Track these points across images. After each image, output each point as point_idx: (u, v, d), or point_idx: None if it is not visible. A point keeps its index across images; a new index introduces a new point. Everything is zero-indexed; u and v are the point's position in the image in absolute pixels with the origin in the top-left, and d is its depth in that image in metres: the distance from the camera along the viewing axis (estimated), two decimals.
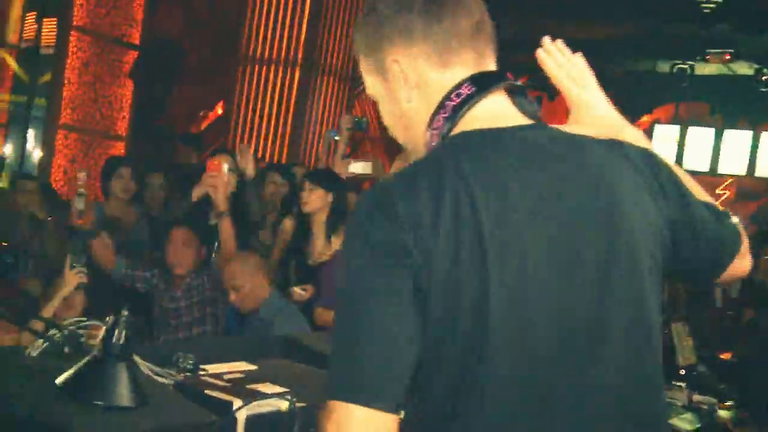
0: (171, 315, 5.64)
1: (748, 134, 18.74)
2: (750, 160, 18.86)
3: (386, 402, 1.69)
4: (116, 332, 2.45)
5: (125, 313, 2.48)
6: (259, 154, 12.10)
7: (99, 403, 2.38)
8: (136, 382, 2.49)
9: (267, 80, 12.42)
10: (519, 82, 1.95)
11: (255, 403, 2.70)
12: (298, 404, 2.77)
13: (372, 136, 16.54)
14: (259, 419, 2.68)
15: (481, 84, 1.89)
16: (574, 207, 1.82)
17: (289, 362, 3.54)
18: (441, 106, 1.88)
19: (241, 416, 2.63)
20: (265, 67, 12.43)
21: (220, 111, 14.71)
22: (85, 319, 2.67)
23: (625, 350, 1.84)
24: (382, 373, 1.69)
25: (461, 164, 1.76)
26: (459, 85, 1.89)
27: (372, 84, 2.02)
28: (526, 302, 1.75)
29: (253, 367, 3.25)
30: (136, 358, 2.61)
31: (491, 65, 1.97)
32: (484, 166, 1.78)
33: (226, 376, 3.02)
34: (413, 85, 1.93)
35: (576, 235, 1.81)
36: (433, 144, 1.89)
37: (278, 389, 2.89)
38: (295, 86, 12.34)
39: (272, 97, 12.40)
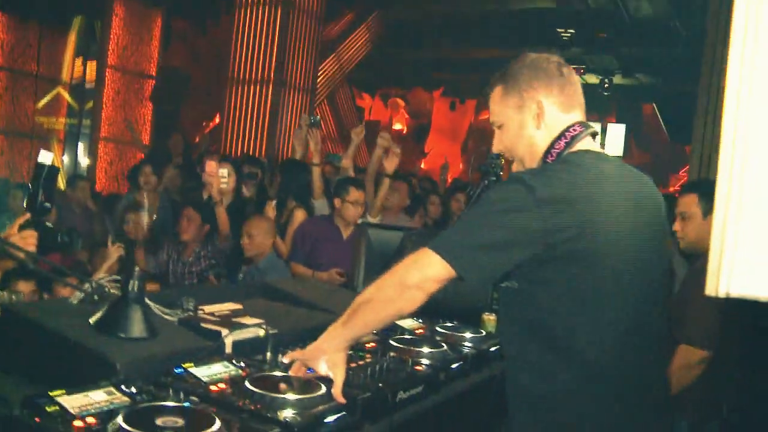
0: (183, 279, 5.61)
1: (598, 125, 19.00)
2: (601, 142, 19.17)
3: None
4: (131, 282, 2.44)
5: (138, 269, 2.48)
6: (244, 150, 12.07)
7: (121, 335, 2.38)
8: (149, 319, 2.49)
9: (248, 96, 12.36)
10: (592, 130, 2.26)
11: (238, 331, 2.71)
12: (271, 331, 2.78)
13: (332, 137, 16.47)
14: (242, 343, 2.69)
15: (586, 126, 2.24)
16: (644, 210, 2.17)
17: (267, 301, 3.53)
18: (562, 136, 2.21)
19: (228, 341, 2.64)
20: (246, 86, 12.37)
21: (217, 120, 14.64)
22: (107, 275, 2.67)
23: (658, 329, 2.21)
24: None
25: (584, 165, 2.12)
26: (572, 125, 2.22)
27: (504, 114, 2.28)
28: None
29: (239, 306, 3.25)
30: (148, 302, 2.60)
31: (582, 117, 2.28)
32: (591, 166, 2.13)
33: (218, 313, 3.02)
34: (536, 116, 2.23)
35: (644, 226, 2.15)
36: (552, 159, 2.20)
37: (257, 321, 2.90)
38: (269, 99, 12.29)
39: (252, 108, 12.36)
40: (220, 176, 5.68)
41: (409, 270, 2.05)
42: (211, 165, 5.52)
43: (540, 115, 2.22)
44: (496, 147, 2.35)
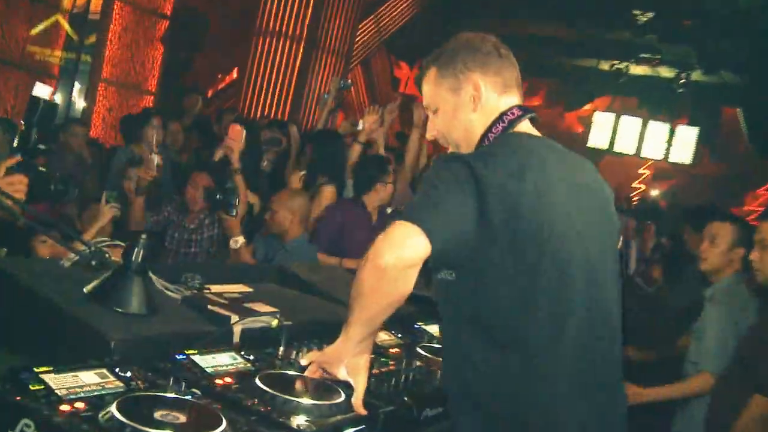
0: (183, 245, 5.59)
1: (665, 126, 18.91)
2: (666, 147, 19.09)
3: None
4: (135, 251, 2.41)
5: (144, 236, 2.45)
6: (265, 113, 12.01)
7: (118, 309, 2.36)
8: (150, 295, 2.46)
9: (275, 51, 12.29)
10: (535, 114, 2.43)
11: (249, 318, 2.69)
12: (285, 322, 2.76)
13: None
14: (252, 332, 2.67)
15: (525, 110, 2.38)
16: (582, 186, 2.32)
17: (281, 288, 3.52)
18: (499, 119, 2.34)
19: (237, 329, 2.62)
20: (275, 40, 12.30)
21: (234, 75, 14.59)
22: (110, 239, 2.63)
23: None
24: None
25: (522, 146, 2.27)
26: (510, 108, 2.36)
27: (439, 97, 2.41)
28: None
29: (250, 290, 3.24)
30: (151, 275, 2.58)
31: (521, 101, 2.42)
32: (531, 150, 2.26)
33: (226, 295, 3.00)
34: (472, 98, 2.36)
35: (589, 212, 2.29)
36: (489, 141, 2.33)
37: (270, 309, 2.88)
38: (299, 59, 12.23)
39: (279, 67, 12.29)
40: (236, 134, 5.64)
41: (383, 246, 2.07)
42: (236, 130, 5.46)
43: (476, 98, 2.36)
44: (430, 133, 2.49)
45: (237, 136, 5.40)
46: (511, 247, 2.10)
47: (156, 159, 5.72)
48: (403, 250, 2.05)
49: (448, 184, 2.11)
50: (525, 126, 2.37)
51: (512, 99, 2.38)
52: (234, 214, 4.73)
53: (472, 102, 2.36)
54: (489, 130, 2.33)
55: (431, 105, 2.44)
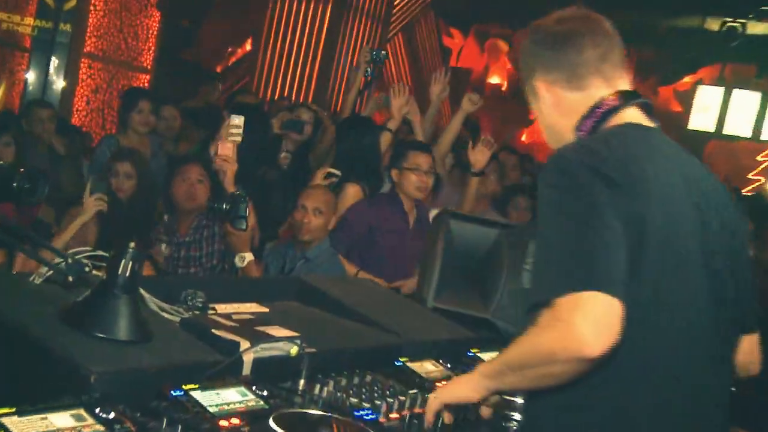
0: (179, 264, 5.58)
1: (716, 90, 18.52)
2: (720, 115, 18.70)
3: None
4: (122, 264, 2.42)
5: (133, 244, 2.45)
6: (285, 93, 12.02)
7: (101, 335, 2.37)
8: (140, 317, 2.47)
9: (297, 16, 12.31)
10: (647, 100, 2.54)
11: (263, 345, 2.69)
12: (307, 350, 2.76)
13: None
14: (267, 362, 2.67)
15: (626, 97, 2.48)
16: (690, 183, 2.41)
17: (303, 306, 3.53)
18: (589, 115, 2.47)
19: (248, 358, 2.62)
20: (295, 2, 12.32)
21: (248, 47, 14.65)
22: (90, 249, 2.64)
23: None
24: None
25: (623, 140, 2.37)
26: (605, 99, 2.47)
27: (531, 105, 2.64)
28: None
29: (264, 309, 3.25)
30: (143, 292, 2.59)
31: (623, 86, 2.52)
32: (637, 142, 2.39)
33: (235, 317, 3.01)
34: (552, 105, 2.55)
35: (707, 211, 2.40)
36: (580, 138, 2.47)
37: (288, 333, 2.88)
38: (325, 24, 12.24)
39: (302, 35, 12.30)
40: (233, 126, 5.63)
41: (588, 333, 2.09)
42: (226, 147, 5.43)
43: (545, 99, 2.57)
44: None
45: (228, 152, 5.39)
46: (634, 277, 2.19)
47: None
48: (613, 335, 2.10)
49: (593, 217, 2.19)
50: (631, 115, 2.48)
51: (593, 91, 2.50)
52: (244, 227, 4.74)
53: (546, 104, 2.57)
54: (578, 129, 2.49)
55: (533, 111, 2.67)
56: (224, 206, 4.80)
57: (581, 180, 2.23)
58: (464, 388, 2.44)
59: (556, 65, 2.51)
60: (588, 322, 2.06)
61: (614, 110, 2.46)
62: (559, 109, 2.54)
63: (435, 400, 2.50)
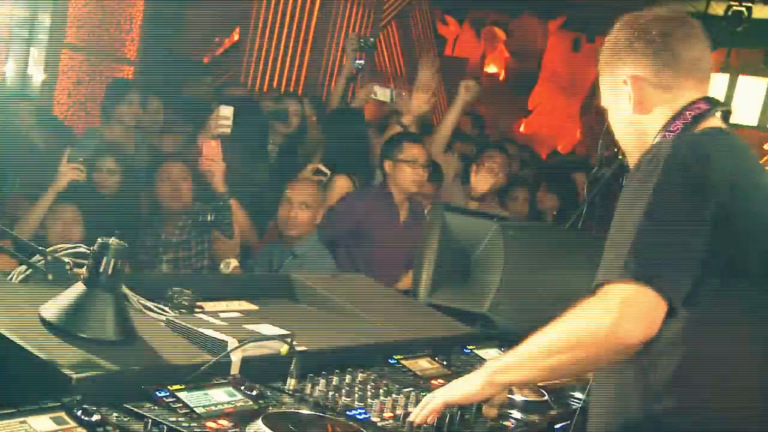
0: (168, 267, 5.56)
1: (722, 77, 18.51)
2: (725, 103, 18.71)
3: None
4: (104, 261, 2.41)
5: (115, 240, 2.45)
6: (274, 84, 12.00)
7: (82, 335, 2.36)
8: (124, 316, 2.47)
9: (286, 3, 12.29)
10: (728, 107, 2.61)
11: (252, 343, 2.69)
12: (298, 348, 2.76)
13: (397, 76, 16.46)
14: (256, 361, 2.67)
15: (713, 103, 2.54)
16: None
17: (293, 304, 3.53)
18: (679, 115, 2.50)
19: (236, 357, 2.62)
20: None
21: (236, 37, 14.63)
22: (69, 245, 2.64)
23: None
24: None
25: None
26: (695, 102, 2.52)
27: (603, 95, 2.68)
28: None
29: (253, 307, 3.25)
30: (126, 291, 2.58)
31: (708, 91, 2.60)
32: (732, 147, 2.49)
33: (223, 315, 3.01)
34: (636, 102, 2.56)
35: None
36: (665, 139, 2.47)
37: (278, 331, 2.88)
38: (315, 12, 12.23)
39: (291, 23, 12.28)
40: (221, 118, 5.64)
41: (628, 322, 2.21)
42: (211, 146, 5.43)
43: (632, 97, 2.58)
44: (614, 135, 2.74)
45: (214, 152, 5.39)
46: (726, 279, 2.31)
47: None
48: (651, 330, 2.22)
49: (686, 213, 2.28)
50: (714, 121, 2.53)
51: (685, 93, 2.54)
52: (232, 235, 4.80)
53: (629, 101, 2.58)
54: (665, 128, 2.50)
55: (602, 105, 2.71)
56: (209, 218, 4.84)
57: (689, 175, 2.30)
58: (469, 387, 2.50)
59: (649, 62, 2.54)
60: (631, 313, 2.20)
61: (704, 115, 2.50)
62: (641, 107, 2.56)
63: (435, 400, 2.52)
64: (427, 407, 2.50)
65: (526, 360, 2.40)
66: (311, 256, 5.21)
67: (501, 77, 22.38)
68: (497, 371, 2.46)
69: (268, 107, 6.94)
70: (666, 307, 2.21)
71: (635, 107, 2.57)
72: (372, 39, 7.27)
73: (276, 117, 6.84)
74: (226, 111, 5.68)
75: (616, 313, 2.20)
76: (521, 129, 20.92)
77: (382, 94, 7.00)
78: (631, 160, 2.61)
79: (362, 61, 7.19)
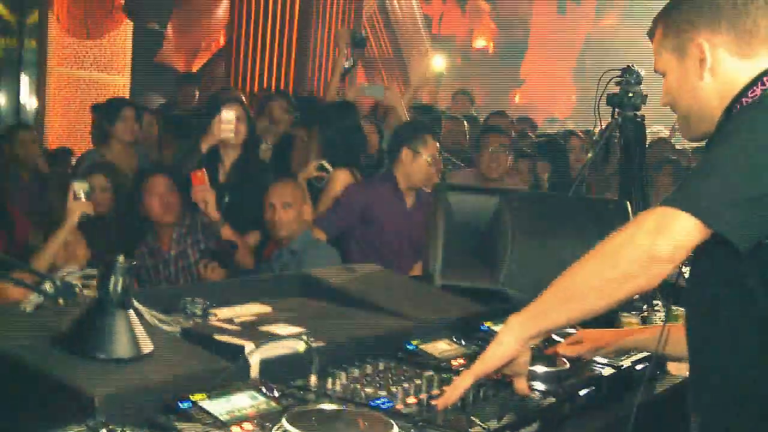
0: (171, 280, 5.55)
1: None
2: None
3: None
4: (113, 279, 2.42)
5: (122, 258, 2.45)
6: (264, 84, 11.98)
7: (99, 356, 2.37)
8: (138, 332, 2.47)
9: (266, 4, 12.25)
10: None
11: (268, 345, 2.69)
12: (315, 344, 2.76)
13: (387, 58, 16.41)
14: (275, 362, 2.68)
15: None
16: None
17: (307, 300, 3.53)
18: (754, 84, 2.41)
19: (254, 360, 2.63)
20: None
21: (222, 42, 14.62)
22: (76, 268, 2.65)
23: None
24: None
25: None
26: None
27: (664, 60, 2.60)
28: None
29: (267, 309, 3.25)
30: (138, 306, 2.59)
31: None
32: None
33: (237, 320, 3.01)
34: (708, 68, 2.48)
35: None
36: (739, 110, 2.42)
37: (294, 330, 2.89)
38: (296, 7, 12.19)
39: (273, 22, 12.25)
40: (224, 122, 5.68)
41: (655, 238, 2.26)
42: (198, 176, 5.46)
43: (703, 62, 2.49)
44: (663, 100, 2.66)
45: (202, 182, 5.42)
46: None
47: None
48: (683, 254, 2.27)
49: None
50: None
51: (759, 62, 2.46)
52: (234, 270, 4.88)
53: (699, 67, 2.50)
54: (737, 99, 2.43)
55: (659, 68, 2.63)
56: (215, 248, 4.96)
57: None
58: (497, 352, 2.50)
59: (729, 27, 2.46)
60: (654, 229, 2.25)
61: None
62: (714, 75, 2.49)
63: (463, 379, 2.51)
64: (456, 389, 2.50)
65: (552, 300, 2.43)
66: (307, 251, 5.28)
67: (490, 50, 22.33)
68: (521, 322, 2.49)
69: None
70: (705, 231, 2.22)
71: (708, 73, 2.49)
72: (363, 34, 7.29)
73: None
74: (229, 115, 5.71)
75: (640, 228, 2.27)
76: (516, 100, 20.86)
77: (372, 91, 7.04)
78: (697, 129, 2.59)
79: (353, 59, 7.23)
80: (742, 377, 2.40)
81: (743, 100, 2.42)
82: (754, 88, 2.42)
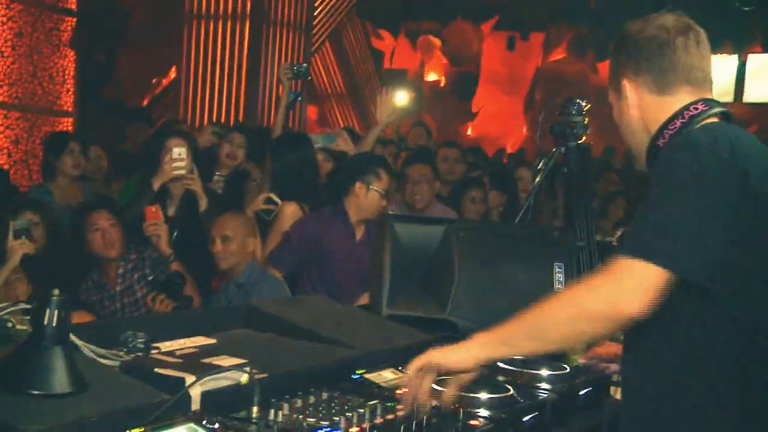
0: (119, 316, 5.49)
1: (733, 59, 18.57)
2: (736, 86, 18.76)
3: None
4: (47, 313, 2.38)
5: (57, 292, 2.42)
6: (213, 118, 11.97)
7: (34, 392, 2.32)
8: (75, 366, 2.43)
9: (215, 38, 12.27)
10: (728, 110, 2.74)
11: (209, 377, 2.66)
12: (257, 375, 2.74)
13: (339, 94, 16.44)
14: (216, 394, 2.64)
15: (710, 104, 2.68)
16: None
17: (251, 332, 3.50)
18: (677, 116, 2.66)
19: (195, 392, 2.59)
20: (212, 23, 12.28)
21: (173, 76, 14.59)
22: (8, 304, 2.61)
23: None
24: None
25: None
26: (693, 103, 2.67)
27: (611, 97, 2.86)
28: None
29: (210, 341, 3.22)
30: (75, 340, 2.55)
31: (708, 95, 2.73)
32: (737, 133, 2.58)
33: (179, 352, 2.98)
34: (633, 104, 2.76)
35: None
36: (662, 142, 2.67)
37: (236, 361, 2.85)
38: (245, 41, 12.21)
39: (223, 56, 12.27)
40: (175, 160, 5.66)
41: (621, 295, 2.39)
42: (152, 211, 5.46)
43: (628, 99, 2.77)
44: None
45: (155, 217, 5.41)
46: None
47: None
48: (650, 299, 2.36)
49: (702, 198, 2.42)
50: (712, 121, 2.67)
51: (682, 97, 2.70)
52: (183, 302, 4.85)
53: (628, 104, 2.78)
54: (664, 128, 2.68)
55: (611, 104, 2.89)
56: (160, 277, 4.92)
57: (705, 161, 2.43)
58: (460, 354, 2.63)
59: (649, 67, 2.71)
60: (631, 285, 2.37)
61: (701, 115, 2.65)
62: (640, 110, 2.75)
63: (423, 358, 2.66)
64: (424, 378, 2.65)
65: (519, 333, 2.56)
66: (255, 281, 5.27)
67: (442, 84, 22.48)
68: (486, 343, 2.59)
69: (204, 140, 6.96)
70: (666, 280, 2.34)
71: (634, 110, 2.76)
72: (305, 65, 7.32)
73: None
74: (179, 151, 5.68)
75: (616, 281, 2.39)
76: (468, 133, 20.98)
77: (323, 140, 7.04)
78: (639, 158, 2.81)
79: (296, 92, 7.26)
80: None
81: (665, 133, 2.67)
82: (675, 121, 2.66)
